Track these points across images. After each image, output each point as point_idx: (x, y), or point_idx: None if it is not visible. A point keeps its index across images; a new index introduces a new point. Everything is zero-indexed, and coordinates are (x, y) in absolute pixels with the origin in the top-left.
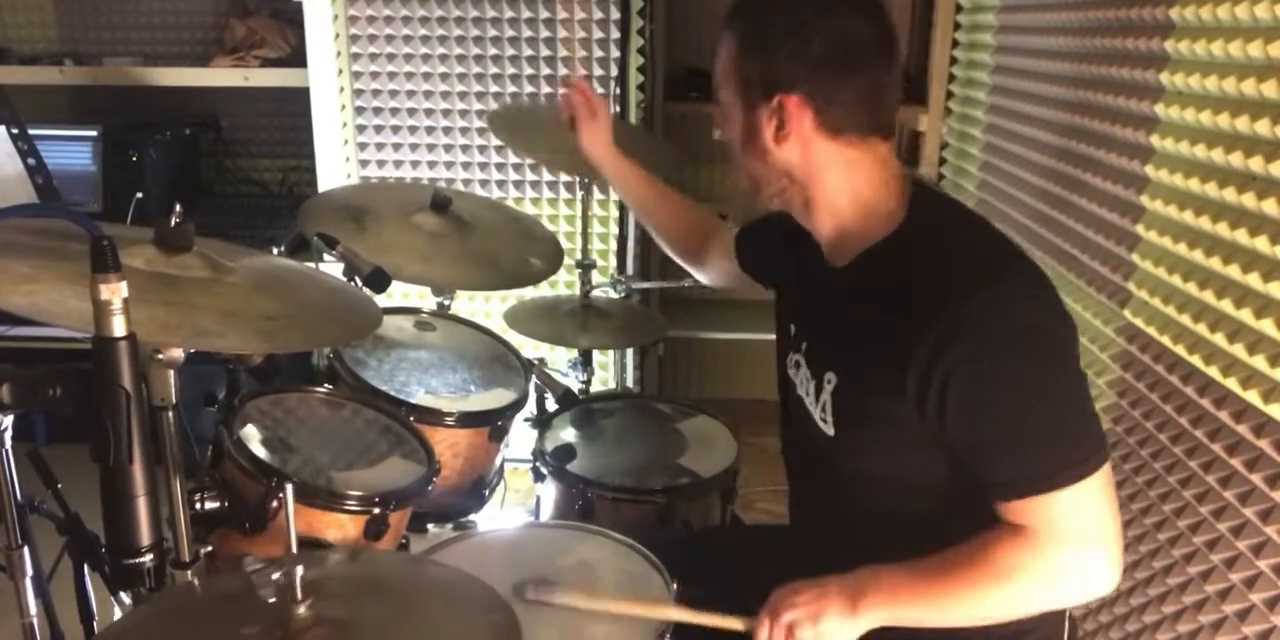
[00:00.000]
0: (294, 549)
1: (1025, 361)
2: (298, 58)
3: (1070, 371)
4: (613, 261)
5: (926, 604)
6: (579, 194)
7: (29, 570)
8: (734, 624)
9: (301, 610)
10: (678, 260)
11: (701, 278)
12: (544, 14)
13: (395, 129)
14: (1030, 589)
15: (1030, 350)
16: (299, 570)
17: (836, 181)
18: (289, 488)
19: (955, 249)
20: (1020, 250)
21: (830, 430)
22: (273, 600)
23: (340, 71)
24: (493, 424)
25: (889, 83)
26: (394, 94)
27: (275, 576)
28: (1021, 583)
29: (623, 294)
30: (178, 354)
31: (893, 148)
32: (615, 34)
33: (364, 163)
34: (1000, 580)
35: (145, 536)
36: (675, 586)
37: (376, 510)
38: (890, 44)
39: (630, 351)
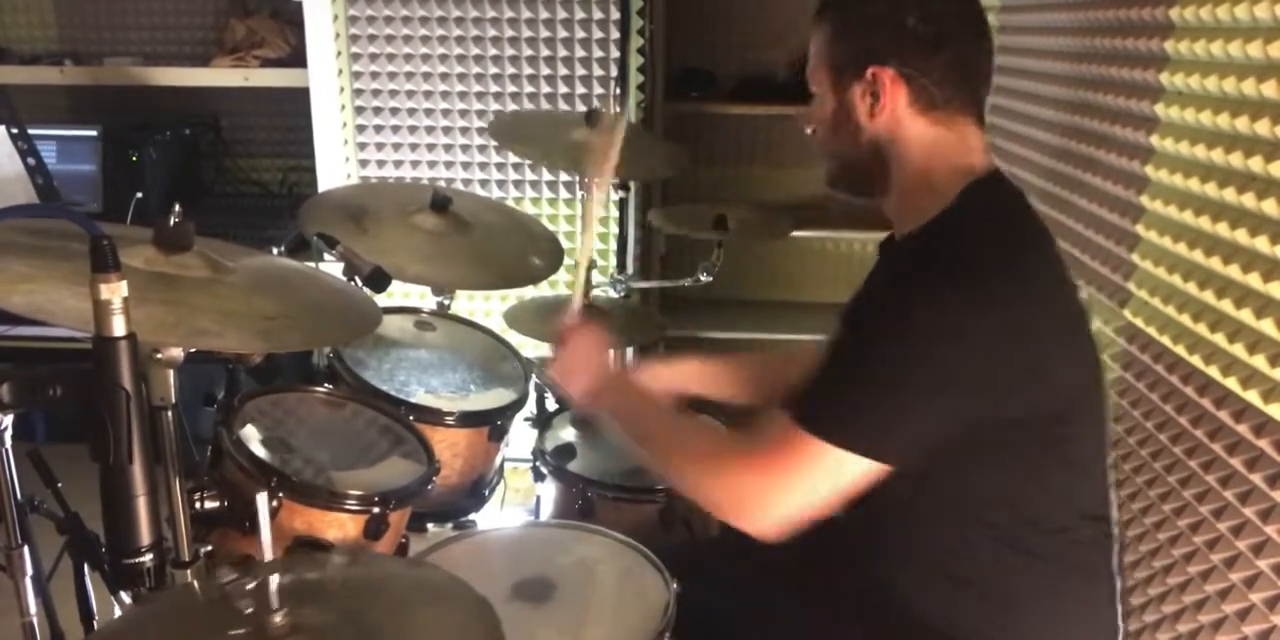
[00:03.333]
0: (268, 555)
1: (906, 319)
2: (298, 58)
3: (935, 358)
4: (613, 261)
5: (644, 426)
6: (579, 194)
7: (29, 570)
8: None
9: (278, 618)
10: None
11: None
12: (544, 14)
13: (395, 129)
14: (714, 478)
15: (921, 314)
16: (274, 580)
17: (921, 160)
18: (262, 497)
19: (961, 240)
20: (1039, 257)
21: None
22: (250, 610)
23: (340, 71)
24: (493, 423)
25: (978, 63)
26: (394, 94)
27: (250, 586)
28: (718, 469)
29: (623, 294)
30: (177, 353)
31: (982, 139)
32: (615, 34)
33: (364, 163)
34: (707, 455)
35: (145, 536)
36: (675, 586)
37: (376, 510)
38: (980, 26)
39: (630, 351)
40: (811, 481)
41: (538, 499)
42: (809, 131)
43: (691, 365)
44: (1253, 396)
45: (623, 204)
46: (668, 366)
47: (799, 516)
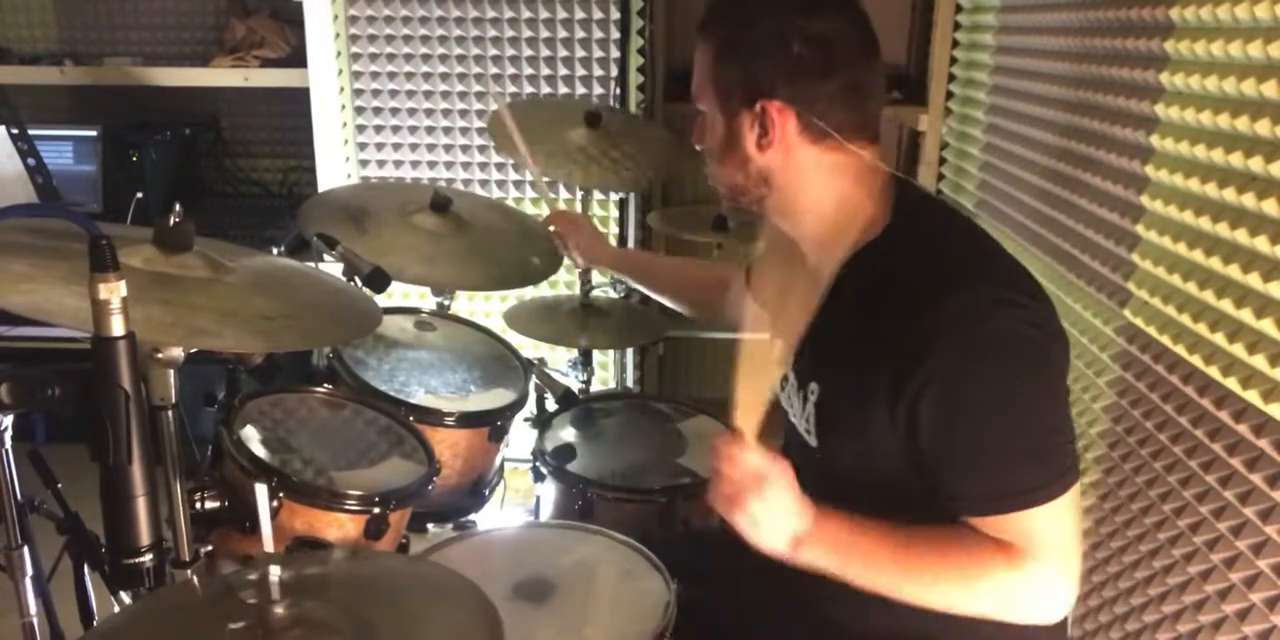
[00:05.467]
0: (269, 547)
1: (997, 373)
2: (298, 58)
3: (1044, 384)
4: None
5: (871, 567)
6: (579, 194)
7: (29, 570)
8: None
9: (280, 610)
10: (697, 317)
11: (719, 320)
12: (544, 14)
13: (395, 129)
14: (983, 597)
15: (1002, 361)
16: (275, 571)
17: (819, 187)
18: (261, 488)
19: (931, 255)
20: (1005, 254)
21: (814, 441)
22: (253, 601)
23: (340, 71)
24: (493, 424)
25: (870, 85)
26: (394, 94)
27: (252, 577)
28: (978, 589)
29: (622, 293)
30: (177, 353)
31: (880, 152)
32: (615, 34)
33: (364, 163)
34: (959, 579)
35: (145, 536)
36: (675, 586)
37: (376, 510)
38: (870, 46)
39: (630, 351)
40: (1065, 539)
41: (538, 499)
42: (697, 147)
43: (627, 257)
44: (1253, 396)
45: (622, 205)
46: (600, 247)
47: (1078, 571)
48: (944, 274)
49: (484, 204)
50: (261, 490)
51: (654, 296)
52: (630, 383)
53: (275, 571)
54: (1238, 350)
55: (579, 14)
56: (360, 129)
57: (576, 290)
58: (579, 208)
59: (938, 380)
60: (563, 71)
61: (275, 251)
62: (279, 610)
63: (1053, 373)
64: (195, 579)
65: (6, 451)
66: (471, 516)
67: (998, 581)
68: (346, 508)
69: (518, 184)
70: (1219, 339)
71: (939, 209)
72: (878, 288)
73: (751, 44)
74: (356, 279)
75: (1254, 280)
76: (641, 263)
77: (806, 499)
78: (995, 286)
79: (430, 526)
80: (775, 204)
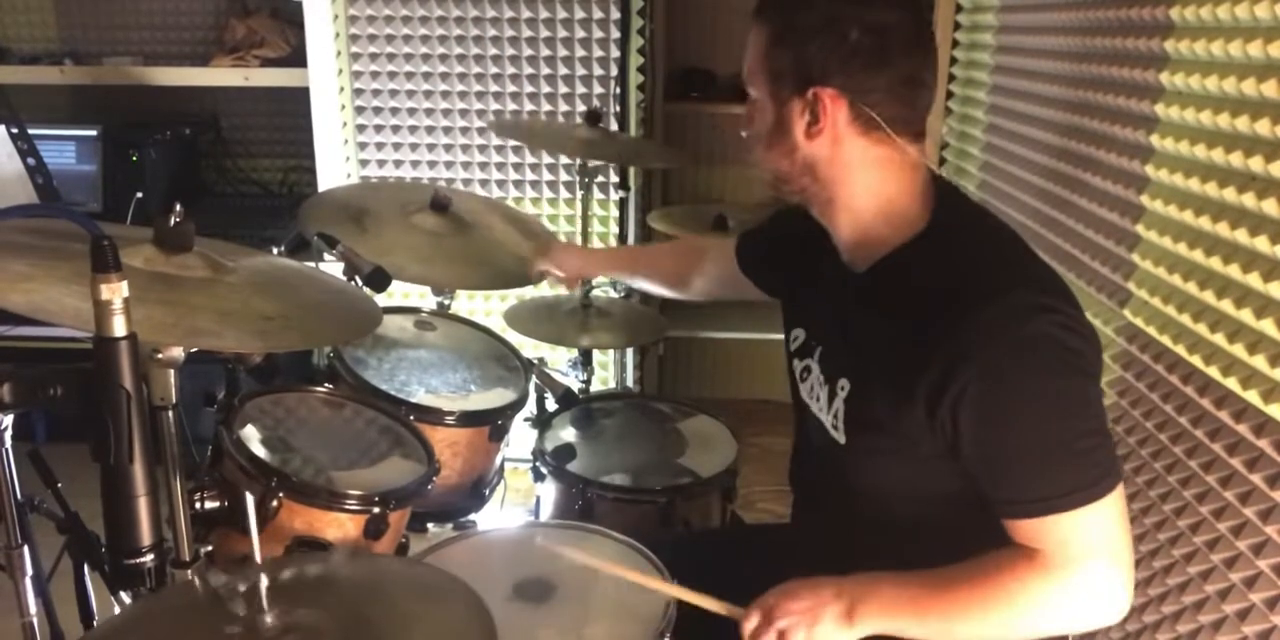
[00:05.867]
0: (257, 557)
1: (1037, 378)
2: (298, 58)
3: (1084, 388)
4: None
5: (927, 619)
6: (579, 194)
7: (29, 570)
8: (732, 612)
9: (270, 619)
10: (667, 295)
11: (689, 297)
12: (544, 14)
13: (395, 129)
14: (1036, 613)
15: (1042, 365)
16: (264, 581)
17: (862, 182)
18: (250, 499)
19: (972, 258)
20: (1039, 259)
21: (841, 438)
22: (242, 612)
23: (340, 71)
24: (493, 423)
25: (924, 78)
26: (394, 94)
27: (242, 588)
28: (1028, 606)
29: (623, 293)
30: (177, 353)
31: (924, 151)
32: (615, 34)
33: (364, 163)
34: (1006, 603)
35: (145, 536)
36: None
37: (376, 510)
38: (926, 38)
39: (630, 351)
40: (1111, 540)
41: (538, 499)
42: (744, 134)
43: (613, 254)
44: (1253, 396)
45: (623, 205)
46: (586, 256)
47: (1132, 570)
48: (982, 279)
49: (484, 204)
50: (250, 500)
51: (645, 288)
52: (630, 383)
53: (265, 581)
54: (1238, 350)
55: (579, 14)
56: (360, 129)
57: (576, 290)
58: (579, 207)
59: (977, 385)
60: (563, 71)
61: (275, 251)
62: (269, 618)
63: (1089, 376)
64: (195, 580)
65: (6, 451)
66: (471, 516)
67: (1042, 597)
68: (346, 507)
69: (517, 184)
70: (1219, 339)
71: (976, 212)
72: (915, 290)
73: (807, 29)
74: (357, 279)
75: (1254, 280)
76: (625, 260)
77: (838, 584)
78: (1032, 292)
79: (430, 526)
80: (816, 196)
